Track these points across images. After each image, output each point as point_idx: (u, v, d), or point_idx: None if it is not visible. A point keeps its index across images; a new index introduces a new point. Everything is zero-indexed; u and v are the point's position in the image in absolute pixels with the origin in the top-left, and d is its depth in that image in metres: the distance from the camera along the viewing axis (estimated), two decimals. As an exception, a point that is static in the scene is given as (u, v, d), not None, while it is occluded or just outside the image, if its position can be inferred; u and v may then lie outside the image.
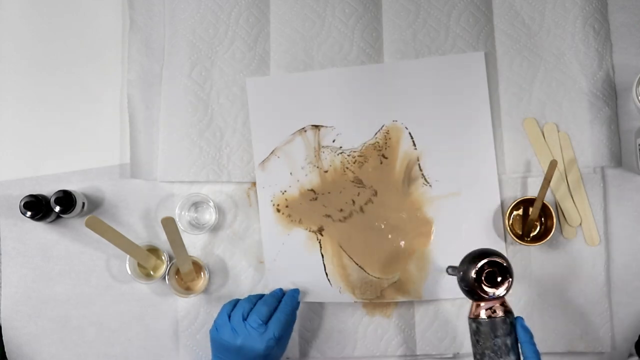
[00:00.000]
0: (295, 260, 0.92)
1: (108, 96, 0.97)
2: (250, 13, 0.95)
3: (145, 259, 0.90)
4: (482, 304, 0.76)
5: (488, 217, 0.92)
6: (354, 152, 0.93)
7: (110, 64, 0.97)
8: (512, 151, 0.93)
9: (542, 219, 0.91)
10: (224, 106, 0.94)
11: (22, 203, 0.89)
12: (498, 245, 0.91)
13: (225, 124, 0.94)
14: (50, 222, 0.94)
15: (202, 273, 0.92)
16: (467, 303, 0.92)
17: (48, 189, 0.94)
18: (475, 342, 0.75)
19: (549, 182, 0.87)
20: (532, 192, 0.92)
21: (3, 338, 0.93)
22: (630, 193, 0.93)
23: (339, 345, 0.93)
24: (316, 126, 0.93)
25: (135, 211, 0.94)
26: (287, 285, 0.92)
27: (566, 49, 0.94)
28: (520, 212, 0.92)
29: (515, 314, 0.92)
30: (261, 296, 0.86)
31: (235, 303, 0.85)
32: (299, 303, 0.88)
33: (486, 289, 0.75)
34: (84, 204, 0.92)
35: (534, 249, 0.92)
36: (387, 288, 0.91)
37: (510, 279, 0.75)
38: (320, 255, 0.92)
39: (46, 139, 0.96)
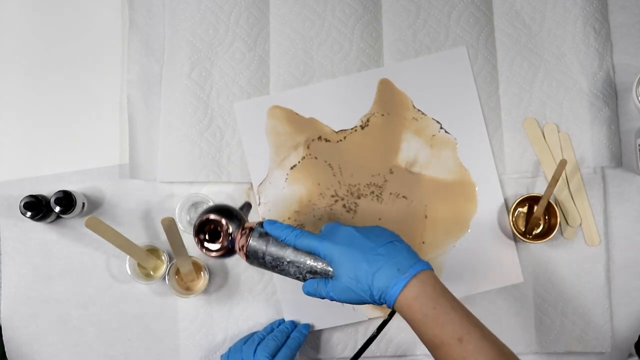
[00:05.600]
0: None
1: (108, 96, 0.97)
2: (250, 13, 0.95)
3: (145, 259, 0.90)
4: (233, 250, 0.75)
5: (492, 215, 0.92)
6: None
7: (110, 64, 0.97)
8: (512, 151, 0.93)
9: (546, 217, 0.92)
10: (223, 107, 0.94)
11: (22, 203, 0.89)
12: (507, 245, 0.92)
13: (225, 124, 0.94)
14: (50, 222, 0.94)
15: (202, 273, 0.92)
16: (467, 303, 0.92)
17: (48, 189, 0.94)
18: (273, 269, 0.74)
19: (557, 180, 0.87)
20: (533, 192, 0.92)
21: (3, 338, 0.93)
22: (630, 193, 0.93)
23: (339, 345, 0.93)
24: (312, 140, 0.93)
25: (135, 211, 0.94)
26: (299, 310, 0.91)
27: (567, 49, 0.94)
28: (524, 209, 0.92)
29: (516, 314, 0.92)
30: (272, 330, 0.88)
31: (252, 336, 0.87)
32: (306, 335, 0.89)
33: (210, 244, 0.75)
34: (84, 204, 0.92)
35: (535, 249, 0.92)
36: None
37: (227, 213, 0.75)
38: None
39: (46, 139, 0.96)
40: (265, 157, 0.93)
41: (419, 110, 0.93)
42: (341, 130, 0.93)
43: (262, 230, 0.74)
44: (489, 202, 0.92)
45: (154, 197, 0.94)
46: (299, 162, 0.93)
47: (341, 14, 0.95)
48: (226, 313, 0.93)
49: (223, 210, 0.76)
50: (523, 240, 0.90)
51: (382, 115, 0.93)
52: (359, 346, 0.92)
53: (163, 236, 0.86)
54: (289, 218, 0.92)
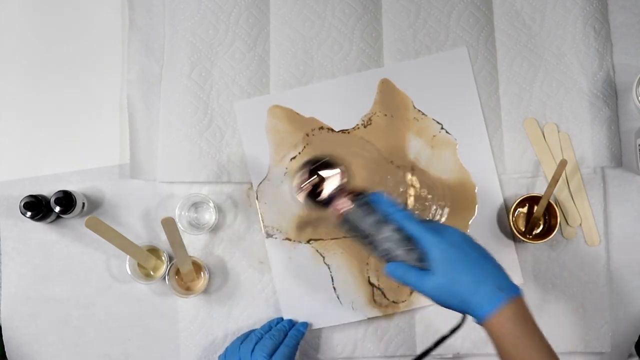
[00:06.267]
0: (303, 278, 0.92)
1: (108, 96, 0.97)
2: (250, 13, 0.95)
3: (145, 259, 0.90)
4: (328, 205, 0.76)
5: (492, 215, 0.92)
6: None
7: (110, 64, 0.97)
8: (512, 151, 0.93)
9: (546, 217, 0.92)
10: (223, 107, 0.94)
11: (22, 203, 0.89)
12: (506, 245, 0.92)
13: (225, 124, 0.94)
14: (50, 222, 0.94)
15: (202, 273, 0.92)
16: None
17: (48, 189, 0.94)
18: (362, 238, 0.74)
19: (557, 180, 0.87)
20: (533, 192, 0.92)
21: (3, 338, 0.93)
22: (630, 193, 0.93)
23: (339, 345, 0.93)
24: (311, 130, 0.93)
25: (135, 211, 0.94)
26: (298, 309, 0.91)
27: (567, 49, 0.94)
28: (524, 209, 0.92)
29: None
30: (270, 328, 0.88)
31: (249, 334, 0.87)
32: (303, 333, 0.89)
33: (322, 200, 0.77)
34: (84, 204, 0.92)
35: (535, 250, 0.92)
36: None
37: (340, 169, 0.77)
38: (326, 266, 0.92)
39: (46, 139, 0.96)
40: (265, 156, 0.93)
41: (419, 110, 0.93)
42: (342, 130, 0.93)
43: (366, 200, 0.74)
44: (489, 202, 0.92)
45: (154, 197, 0.94)
46: (299, 153, 0.93)
47: (341, 14, 0.95)
48: (226, 313, 0.93)
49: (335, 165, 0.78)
50: (523, 240, 0.90)
51: (385, 115, 0.93)
52: (359, 346, 0.92)
53: (163, 236, 0.86)
54: (291, 216, 0.92)
